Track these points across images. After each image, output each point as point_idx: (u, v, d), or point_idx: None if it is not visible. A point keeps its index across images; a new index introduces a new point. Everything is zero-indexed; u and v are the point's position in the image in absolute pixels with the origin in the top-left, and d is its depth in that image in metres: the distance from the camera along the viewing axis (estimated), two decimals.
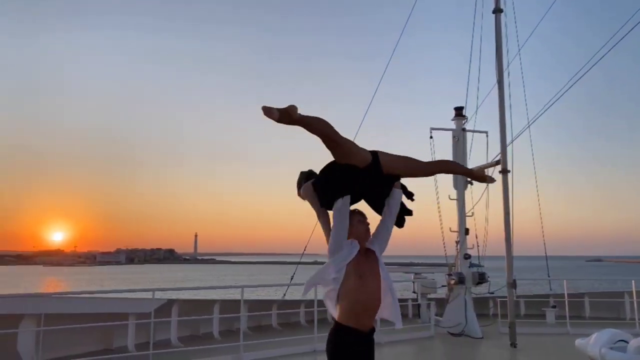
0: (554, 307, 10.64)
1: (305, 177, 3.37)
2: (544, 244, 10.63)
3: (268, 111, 2.60)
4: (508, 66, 8.74)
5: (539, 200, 10.29)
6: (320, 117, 2.83)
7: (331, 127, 2.86)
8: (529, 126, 9.06)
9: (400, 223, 3.37)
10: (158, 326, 8.14)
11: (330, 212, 3.13)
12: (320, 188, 3.16)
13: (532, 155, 10.01)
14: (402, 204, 3.34)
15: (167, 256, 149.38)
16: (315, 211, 3.23)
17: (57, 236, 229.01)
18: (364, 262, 3.04)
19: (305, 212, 3.35)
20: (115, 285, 51.53)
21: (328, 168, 3.13)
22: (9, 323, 5.99)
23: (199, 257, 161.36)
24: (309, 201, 3.29)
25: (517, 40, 9.41)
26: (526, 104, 9.60)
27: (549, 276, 10.81)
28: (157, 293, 8.88)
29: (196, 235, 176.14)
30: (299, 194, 3.38)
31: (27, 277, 68.14)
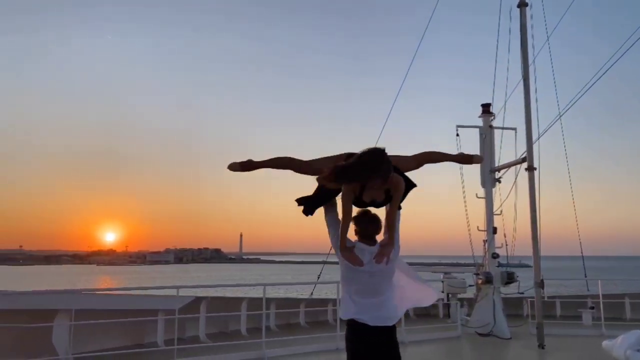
0: (592, 308, 10.27)
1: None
2: (580, 242, 10.27)
3: (232, 167, 3.20)
4: (534, 61, 8.53)
5: (572, 197, 9.92)
6: (279, 156, 3.26)
7: (292, 160, 3.23)
8: (557, 119, 8.77)
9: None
10: (187, 323, 8.44)
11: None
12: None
13: (565, 150, 9.72)
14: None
15: (214, 255, 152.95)
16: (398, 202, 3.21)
17: (110, 236, 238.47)
18: None
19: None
20: (162, 284, 53.16)
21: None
22: (44, 317, 6.39)
23: (244, 257, 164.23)
24: (400, 194, 3.12)
25: (546, 30, 9.12)
26: (557, 98, 9.31)
27: (585, 276, 10.46)
28: (188, 291, 9.23)
29: (241, 235, 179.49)
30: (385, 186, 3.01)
31: (82, 276, 71.34)
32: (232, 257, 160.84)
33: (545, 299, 10.25)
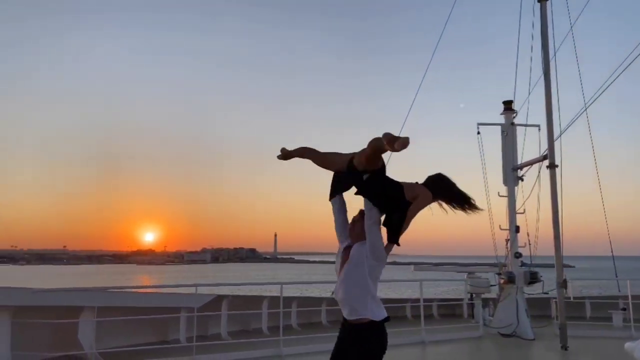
0: (623, 309, 9.96)
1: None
2: (610, 241, 9.95)
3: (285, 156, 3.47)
4: (555, 55, 8.34)
5: (601, 193, 9.58)
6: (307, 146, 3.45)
7: (316, 152, 3.41)
8: (582, 113, 8.49)
9: (392, 237, 3.19)
10: (210, 320, 8.65)
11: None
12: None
13: (592, 145, 9.37)
14: (398, 216, 3.17)
15: (249, 255, 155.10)
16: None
17: (149, 237, 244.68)
18: (343, 258, 3.24)
19: None
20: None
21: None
22: (71, 314, 6.68)
23: (279, 257, 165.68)
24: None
25: (569, 19, 8.83)
26: (583, 91, 8.98)
27: (616, 276, 10.13)
28: (209, 289, 9.43)
29: (276, 235, 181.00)
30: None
31: (123, 275, 73.53)
32: (267, 256, 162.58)
33: (572, 299, 10.00)
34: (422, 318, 8.37)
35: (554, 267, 8.68)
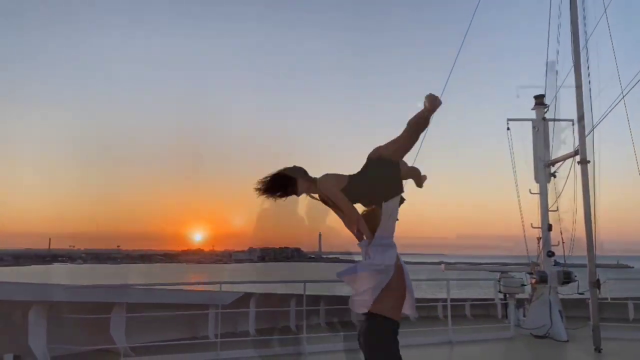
0: None
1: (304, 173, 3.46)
2: None
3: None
4: (586, 44, 8.00)
5: None
6: None
7: None
8: (618, 102, 8.08)
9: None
10: (239, 318, 8.84)
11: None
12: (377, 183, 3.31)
13: (631, 135, 8.88)
14: None
15: (294, 254, 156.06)
16: (338, 200, 3.41)
17: (198, 236, 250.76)
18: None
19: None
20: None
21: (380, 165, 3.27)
22: (104, 309, 7.01)
23: (324, 256, 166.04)
24: (330, 193, 3.40)
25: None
26: (620, 78, 8.51)
27: None
28: (238, 286, 9.63)
29: (320, 235, 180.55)
30: (303, 191, 3.46)
31: (183, 274, 75.61)
32: (312, 256, 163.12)
33: (609, 300, 9.61)
34: (449, 318, 8.26)
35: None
